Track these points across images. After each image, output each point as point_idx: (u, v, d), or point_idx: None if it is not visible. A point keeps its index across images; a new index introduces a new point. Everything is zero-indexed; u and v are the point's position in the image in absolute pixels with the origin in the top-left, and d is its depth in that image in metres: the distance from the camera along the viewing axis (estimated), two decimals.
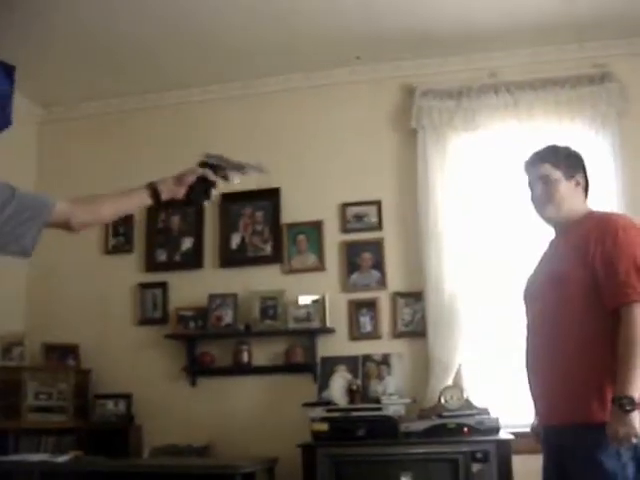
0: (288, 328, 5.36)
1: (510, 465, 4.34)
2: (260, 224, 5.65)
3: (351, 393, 4.93)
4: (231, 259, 5.67)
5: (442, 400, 4.78)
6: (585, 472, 2.78)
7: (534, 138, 5.22)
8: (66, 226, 2.30)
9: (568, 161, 3.18)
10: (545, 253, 3.27)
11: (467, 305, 5.07)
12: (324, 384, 5.10)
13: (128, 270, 5.80)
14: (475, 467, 4.33)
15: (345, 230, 5.48)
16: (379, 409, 4.78)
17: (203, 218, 5.76)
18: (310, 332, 5.34)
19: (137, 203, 2.53)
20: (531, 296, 3.17)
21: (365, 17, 4.96)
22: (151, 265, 5.79)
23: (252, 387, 5.45)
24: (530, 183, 3.23)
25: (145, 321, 5.74)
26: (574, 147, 3.30)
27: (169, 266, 5.77)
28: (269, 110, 5.82)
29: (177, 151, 5.87)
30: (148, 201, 2.49)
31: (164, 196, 2.50)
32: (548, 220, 3.19)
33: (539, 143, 5.13)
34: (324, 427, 4.73)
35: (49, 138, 6.17)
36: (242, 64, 5.57)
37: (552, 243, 3.26)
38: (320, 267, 5.50)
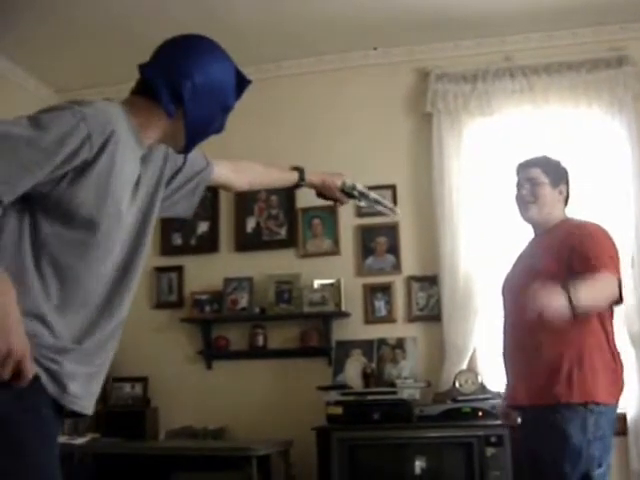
0: (303, 312, 5.38)
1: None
2: (275, 208, 5.66)
3: (366, 377, 4.95)
4: (246, 243, 5.69)
5: (457, 384, 4.80)
6: (550, 444, 3.00)
7: (550, 123, 5.22)
8: (226, 189, 2.77)
9: (557, 171, 3.49)
10: (523, 251, 3.57)
11: (482, 289, 5.07)
12: (339, 368, 5.13)
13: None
14: (489, 451, 4.35)
15: (360, 214, 5.48)
16: (394, 393, 4.80)
17: (219, 202, 5.77)
18: (325, 316, 5.35)
19: (286, 180, 2.89)
20: (509, 290, 3.40)
21: (379, 1, 4.95)
22: (167, 249, 5.81)
23: (267, 371, 5.47)
24: (518, 183, 3.52)
25: (161, 305, 5.77)
26: (564, 163, 3.61)
27: (185, 250, 5.80)
28: (282, 95, 5.81)
29: None
30: (294, 180, 2.86)
31: (309, 183, 2.88)
32: (529, 220, 3.50)
33: (555, 128, 5.20)
34: (339, 410, 4.75)
35: None
36: (255, 48, 5.55)
37: (530, 243, 3.55)
38: (335, 251, 5.52)
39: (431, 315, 5.28)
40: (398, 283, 5.40)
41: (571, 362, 3.06)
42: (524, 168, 3.53)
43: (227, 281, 5.57)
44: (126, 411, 5.48)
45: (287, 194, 5.58)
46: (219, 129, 2.38)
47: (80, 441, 4.99)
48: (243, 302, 5.53)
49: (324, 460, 4.60)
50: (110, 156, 1.93)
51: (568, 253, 3.15)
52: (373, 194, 3.02)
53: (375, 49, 5.55)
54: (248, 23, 5.18)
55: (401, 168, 5.49)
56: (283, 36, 5.40)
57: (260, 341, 5.44)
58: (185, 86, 2.11)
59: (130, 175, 2.05)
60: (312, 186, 2.89)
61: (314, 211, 5.54)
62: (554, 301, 2.81)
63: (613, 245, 3.29)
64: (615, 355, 3.25)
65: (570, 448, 2.95)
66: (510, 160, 5.23)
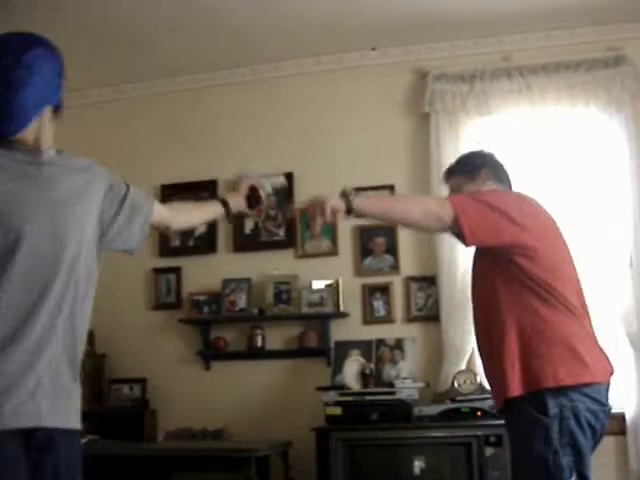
0: (302, 312, 5.38)
1: None
2: (274, 209, 5.66)
3: (364, 377, 4.95)
4: (245, 244, 5.69)
5: (455, 384, 4.79)
6: (514, 458, 2.86)
7: (547, 122, 5.22)
8: (165, 228, 2.56)
9: (468, 162, 3.41)
10: None
11: None
12: (338, 368, 5.12)
13: (142, 255, 5.80)
14: (488, 451, 4.35)
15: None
16: (392, 393, 4.80)
17: None
18: (323, 316, 5.35)
19: (215, 213, 2.78)
20: (471, 290, 3.26)
21: (377, 1, 4.95)
22: (165, 250, 5.81)
23: (266, 371, 5.47)
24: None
25: (159, 306, 5.77)
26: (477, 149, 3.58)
27: (183, 251, 5.80)
28: (280, 95, 5.81)
29: (189, 135, 5.92)
30: (222, 213, 2.77)
31: (232, 207, 2.79)
32: None
33: (552, 127, 5.20)
34: (338, 411, 4.75)
35: (62, 124, 6.16)
36: (253, 49, 5.56)
37: None
38: (333, 252, 5.51)
39: (430, 315, 5.28)
40: (396, 283, 5.40)
41: (511, 354, 2.77)
42: (445, 184, 3.54)
43: (225, 282, 5.57)
44: (125, 413, 5.47)
45: (285, 194, 5.57)
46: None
47: None
48: (241, 303, 5.53)
49: (323, 461, 4.60)
50: None
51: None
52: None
53: (374, 49, 5.56)
54: (246, 24, 5.17)
55: (399, 168, 5.49)
56: (281, 37, 5.40)
57: (259, 342, 5.44)
58: None
59: None
60: (236, 204, 2.86)
61: None
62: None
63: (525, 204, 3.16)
64: (572, 331, 2.85)
65: (531, 464, 2.72)
66: (508, 160, 5.25)
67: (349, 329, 5.37)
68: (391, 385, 4.92)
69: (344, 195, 2.84)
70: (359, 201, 2.83)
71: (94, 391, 5.57)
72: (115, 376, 5.65)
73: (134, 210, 2.32)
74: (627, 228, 4.94)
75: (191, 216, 2.70)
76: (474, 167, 3.34)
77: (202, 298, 5.63)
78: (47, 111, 2.23)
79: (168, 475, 4.94)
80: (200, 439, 5.25)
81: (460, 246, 5.12)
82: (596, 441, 2.78)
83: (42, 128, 2.21)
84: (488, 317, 2.95)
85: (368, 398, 4.79)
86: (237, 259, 5.68)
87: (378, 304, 5.37)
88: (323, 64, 5.71)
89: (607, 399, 2.79)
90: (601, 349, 2.88)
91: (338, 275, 5.40)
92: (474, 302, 3.14)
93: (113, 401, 5.57)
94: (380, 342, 5.25)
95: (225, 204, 2.76)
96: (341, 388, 4.92)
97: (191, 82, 5.96)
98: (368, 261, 5.45)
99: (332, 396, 4.83)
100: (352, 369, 4.99)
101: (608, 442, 4.76)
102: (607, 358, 2.87)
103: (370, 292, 5.40)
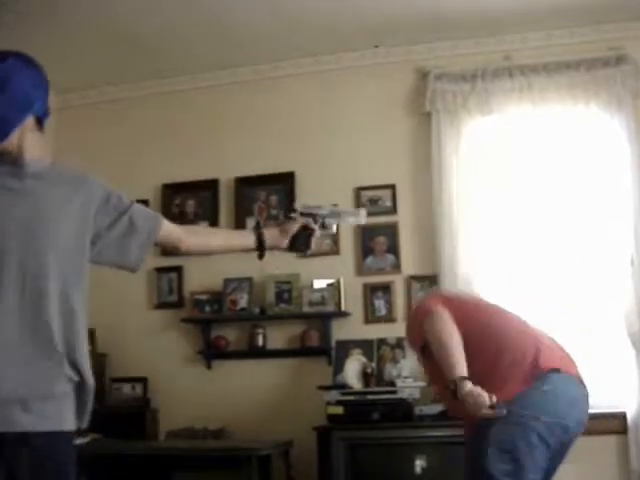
0: (303, 312, 5.39)
1: None
2: (275, 208, 5.66)
3: (366, 376, 4.95)
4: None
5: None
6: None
7: (548, 121, 5.22)
8: (174, 248, 2.50)
9: None
10: None
11: (481, 289, 5.06)
12: (339, 367, 5.12)
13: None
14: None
15: None
16: (394, 392, 4.80)
17: (218, 202, 5.77)
18: (325, 316, 5.36)
19: (242, 244, 2.73)
20: None
21: (378, 1, 4.95)
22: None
23: (267, 370, 5.47)
24: None
25: (161, 305, 5.77)
26: None
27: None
28: (281, 95, 5.81)
29: (191, 135, 5.92)
30: (252, 245, 2.69)
31: (268, 243, 2.69)
32: None
33: (553, 126, 5.21)
34: (339, 410, 4.75)
35: (64, 124, 6.17)
36: (252, 49, 5.56)
37: None
38: (335, 251, 5.51)
39: None
40: (398, 282, 5.40)
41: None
42: None
43: (227, 281, 5.57)
44: (126, 412, 5.47)
45: (287, 194, 5.58)
46: None
47: (80, 442, 4.98)
48: (243, 302, 5.53)
49: (324, 460, 4.60)
50: None
51: None
52: (329, 207, 2.83)
53: (376, 47, 5.55)
54: (245, 24, 5.18)
55: (400, 167, 5.49)
56: (281, 37, 5.40)
57: (260, 341, 5.44)
58: None
59: None
60: (273, 239, 2.75)
61: None
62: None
63: None
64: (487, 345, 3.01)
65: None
66: (509, 159, 5.27)
67: (350, 328, 5.37)
68: (392, 384, 4.93)
69: None
70: None
71: (96, 390, 5.55)
72: (116, 375, 5.65)
73: (134, 226, 2.28)
74: (628, 227, 4.93)
75: (208, 240, 2.65)
76: None
77: (203, 297, 5.64)
78: (29, 122, 2.19)
79: (169, 474, 4.95)
80: (201, 438, 5.25)
81: (461, 245, 5.18)
82: (555, 454, 2.85)
83: (24, 139, 2.17)
84: None
85: (369, 397, 4.79)
86: (238, 258, 5.63)
87: (379, 303, 5.37)
88: (323, 64, 5.71)
89: (566, 414, 2.87)
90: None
91: (339, 274, 5.40)
92: None
93: (114, 400, 5.57)
94: (381, 341, 5.25)
95: (260, 240, 2.67)
96: (342, 387, 4.92)
97: (192, 82, 5.96)
98: (369, 260, 5.45)
99: (333, 395, 4.84)
100: (353, 368, 4.99)
101: (609, 441, 4.79)
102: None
103: (371, 291, 5.40)
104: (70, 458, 2.10)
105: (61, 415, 2.07)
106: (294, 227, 2.71)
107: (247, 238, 2.70)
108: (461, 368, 2.81)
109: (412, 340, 3.28)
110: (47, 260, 2.07)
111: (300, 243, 2.72)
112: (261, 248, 2.69)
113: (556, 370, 2.87)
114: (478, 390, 2.72)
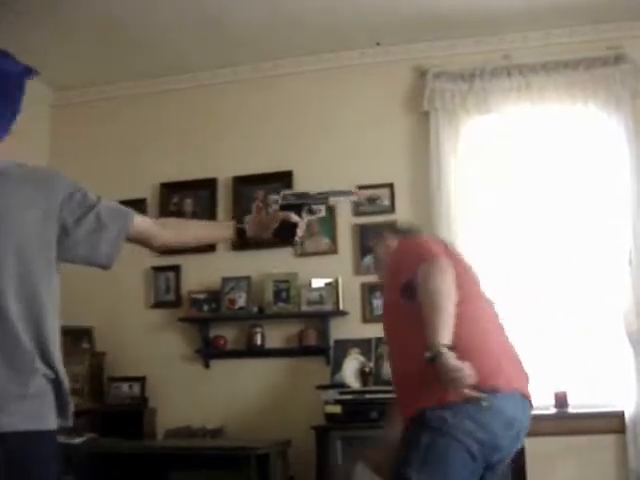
0: (301, 311, 5.38)
1: (522, 448, 4.34)
2: (273, 207, 5.66)
3: (364, 375, 4.95)
4: (244, 242, 5.67)
5: None
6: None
7: (547, 120, 5.23)
8: (147, 244, 2.38)
9: None
10: None
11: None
12: (337, 367, 5.12)
13: (141, 253, 5.78)
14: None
15: (358, 213, 5.49)
16: (392, 391, 4.79)
17: (216, 201, 5.77)
18: (323, 315, 5.35)
19: (220, 235, 2.69)
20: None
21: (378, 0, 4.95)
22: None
23: (265, 370, 5.47)
24: None
25: (158, 304, 5.77)
26: None
27: (182, 249, 5.78)
28: (279, 93, 5.81)
29: (189, 134, 5.92)
30: (231, 235, 2.58)
31: (249, 234, 2.58)
32: None
33: (552, 125, 5.21)
34: (337, 409, 4.75)
35: (62, 122, 6.18)
36: (252, 47, 5.56)
37: None
38: (333, 250, 5.51)
39: None
40: None
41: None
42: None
43: (225, 280, 5.56)
44: (124, 411, 5.46)
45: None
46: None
47: (78, 441, 4.98)
48: (241, 301, 5.52)
49: (323, 459, 4.61)
50: None
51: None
52: (315, 190, 2.67)
53: (378, 44, 5.55)
54: (244, 22, 5.18)
55: (399, 166, 5.49)
56: (281, 35, 5.39)
57: (258, 340, 5.43)
58: None
59: None
60: (254, 231, 2.61)
61: None
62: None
63: None
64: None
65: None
66: (508, 158, 5.27)
67: (348, 327, 5.37)
68: (390, 383, 4.91)
69: None
70: None
71: (94, 389, 5.57)
72: (114, 374, 5.65)
73: (101, 222, 2.20)
74: (626, 226, 4.93)
75: (184, 233, 2.54)
76: None
77: (201, 296, 5.63)
78: None
79: (167, 473, 4.95)
80: (199, 437, 5.25)
81: (459, 244, 5.16)
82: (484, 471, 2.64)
83: None
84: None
85: (367, 396, 4.79)
86: (236, 257, 5.67)
87: (377, 302, 5.36)
88: (323, 62, 5.71)
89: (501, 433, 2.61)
90: None
91: (337, 273, 5.39)
92: None
93: (112, 399, 5.56)
94: (379, 340, 5.22)
95: (240, 231, 2.57)
96: (341, 386, 4.92)
97: (190, 80, 5.96)
98: (367, 259, 5.44)
99: (332, 394, 4.83)
100: (352, 367, 4.99)
101: (608, 440, 4.79)
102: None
103: (369, 290, 5.39)
104: (50, 456, 2.07)
105: (40, 414, 2.04)
106: (274, 224, 2.59)
107: (226, 228, 2.62)
108: (449, 336, 2.49)
109: (395, 272, 2.91)
110: (7, 259, 2.04)
111: (285, 235, 2.58)
112: (242, 239, 2.59)
113: (498, 388, 2.59)
114: (464, 364, 2.42)
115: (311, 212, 2.64)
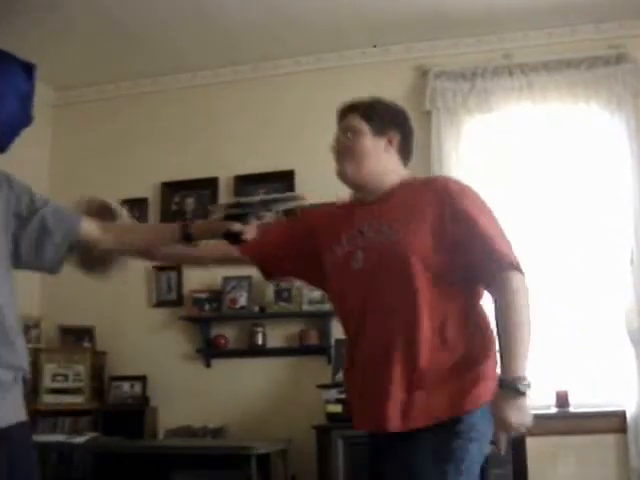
0: (302, 310, 5.38)
1: (524, 447, 4.35)
2: None
3: None
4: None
5: None
6: None
7: (548, 120, 5.22)
8: (93, 249, 2.38)
9: (383, 115, 2.67)
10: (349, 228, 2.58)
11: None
12: (338, 366, 5.12)
13: None
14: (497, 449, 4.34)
15: None
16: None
17: (217, 201, 5.76)
18: (324, 314, 5.34)
19: (166, 238, 2.61)
20: (349, 282, 2.50)
21: None
22: None
23: (266, 369, 5.47)
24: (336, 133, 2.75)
25: (160, 303, 5.77)
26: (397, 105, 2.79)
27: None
28: (281, 93, 5.80)
29: (190, 133, 5.91)
30: (176, 239, 2.54)
31: (196, 238, 2.54)
32: (345, 180, 2.71)
33: (553, 125, 5.20)
34: (338, 409, 4.74)
35: (63, 121, 6.18)
36: (252, 47, 5.56)
37: (360, 213, 2.61)
38: None
39: None
40: None
41: None
42: (340, 115, 2.80)
43: (226, 280, 5.56)
44: (125, 410, 5.47)
45: (286, 192, 5.56)
46: (27, 120, 2.26)
47: (79, 440, 4.99)
48: (242, 300, 5.52)
49: (324, 458, 4.60)
50: None
51: (440, 219, 2.40)
52: (257, 197, 2.61)
53: (375, 47, 5.55)
54: (244, 21, 5.17)
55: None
56: (281, 35, 5.39)
57: (259, 339, 5.43)
58: None
59: None
60: (201, 235, 2.58)
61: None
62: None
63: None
64: None
65: None
66: (509, 157, 5.27)
67: None
68: None
69: None
70: None
71: (95, 388, 5.57)
72: (116, 373, 5.65)
73: (46, 227, 2.18)
74: (628, 225, 4.93)
75: (127, 236, 2.51)
76: (386, 121, 2.66)
77: (203, 296, 5.63)
78: None
79: (168, 472, 4.94)
80: (200, 437, 5.25)
81: None
82: None
83: None
84: None
85: None
86: None
87: None
88: (324, 62, 5.70)
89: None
90: None
91: None
92: None
93: (114, 398, 5.57)
94: None
95: (187, 235, 2.50)
96: (342, 386, 4.91)
97: (191, 79, 5.96)
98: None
99: (333, 394, 4.83)
100: None
101: (609, 440, 4.79)
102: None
103: None
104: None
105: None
106: (218, 231, 2.59)
107: (172, 232, 2.56)
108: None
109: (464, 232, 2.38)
110: None
111: (234, 242, 2.57)
112: (188, 241, 2.53)
113: None
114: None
115: (259, 219, 2.63)
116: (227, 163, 5.74)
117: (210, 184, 5.80)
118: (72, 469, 4.97)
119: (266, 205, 2.68)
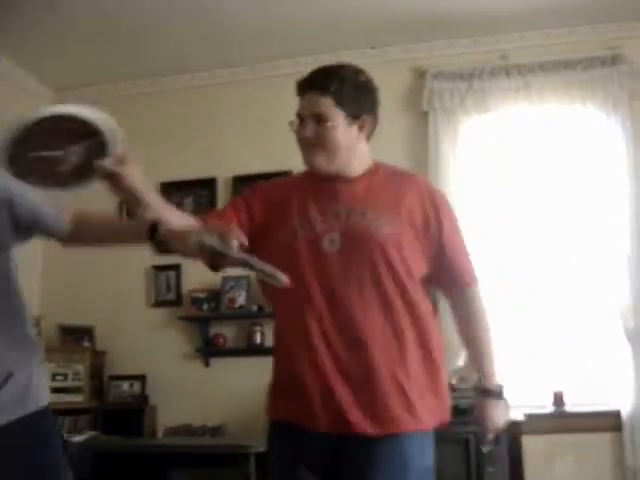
0: None
1: (520, 446, 4.38)
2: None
3: None
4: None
5: (453, 380, 4.81)
6: None
7: (545, 120, 5.25)
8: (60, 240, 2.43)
9: (357, 95, 2.45)
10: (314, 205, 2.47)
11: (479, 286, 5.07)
12: None
13: (142, 253, 5.82)
14: (486, 447, 4.37)
15: None
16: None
17: (216, 201, 5.78)
18: None
19: (135, 237, 2.51)
20: (317, 266, 2.34)
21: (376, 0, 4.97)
22: None
23: (265, 368, 5.40)
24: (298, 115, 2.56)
25: (159, 303, 5.79)
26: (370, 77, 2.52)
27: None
28: (279, 93, 5.80)
29: (189, 133, 5.93)
30: (143, 240, 2.42)
31: (165, 235, 2.34)
32: (316, 170, 2.56)
33: (550, 125, 5.22)
34: None
35: None
36: (251, 48, 5.58)
37: (329, 193, 2.50)
38: None
39: None
40: None
41: None
42: (306, 94, 2.53)
43: (225, 279, 5.58)
44: (124, 409, 5.49)
45: None
46: None
47: (79, 439, 5.00)
48: (241, 300, 5.54)
49: None
50: None
51: (425, 231, 2.39)
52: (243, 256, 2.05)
53: (373, 48, 5.57)
54: (243, 23, 5.20)
55: (398, 166, 5.49)
56: (280, 35, 5.41)
57: (258, 338, 5.45)
58: None
59: None
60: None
61: None
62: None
63: None
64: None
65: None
66: (506, 158, 5.29)
67: None
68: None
69: None
70: None
71: (94, 387, 5.59)
72: (115, 372, 5.67)
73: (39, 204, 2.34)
74: (624, 225, 4.95)
75: (95, 232, 2.56)
76: (362, 109, 2.47)
77: (202, 295, 5.65)
78: None
79: (167, 471, 4.96)
80: (199, 435, 5.26)
81: None
82: None
83: None
84: None
85: None
86: None
87: None
88: (322, 62, 5.66)
89: None
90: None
91: None
92: None
93: (113, 397, 5.59)
94: None
95: (154, 230, 2.32)
96: None
97: (189, 80, 5.98)
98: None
99: None
100: None
101: (604, 438, 4.81)
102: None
103: None
104: None
105: None
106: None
107: (140, 232, 2.39)
108: None
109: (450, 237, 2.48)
110: None
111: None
112: (154, 237, 2.34)
113: None
114: None
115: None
116: (226, 163, 5.76)
117: (209, 184, 5.82)
118: (71, 468, 4.98)
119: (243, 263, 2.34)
